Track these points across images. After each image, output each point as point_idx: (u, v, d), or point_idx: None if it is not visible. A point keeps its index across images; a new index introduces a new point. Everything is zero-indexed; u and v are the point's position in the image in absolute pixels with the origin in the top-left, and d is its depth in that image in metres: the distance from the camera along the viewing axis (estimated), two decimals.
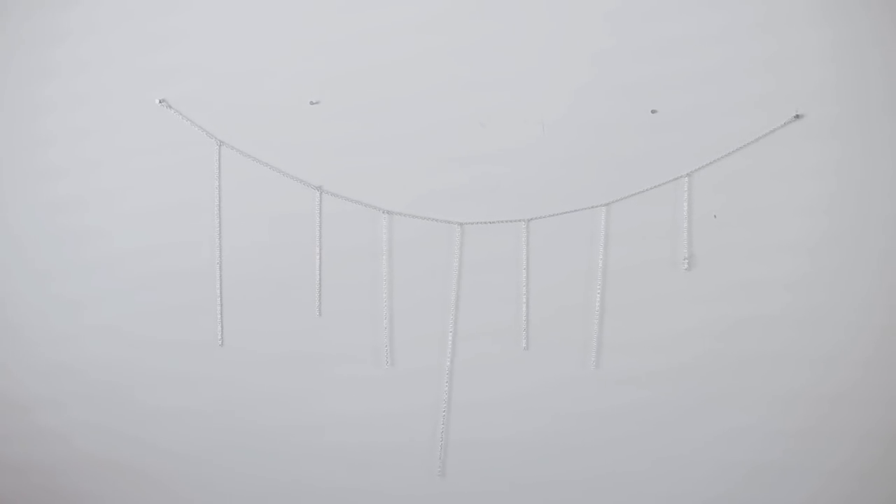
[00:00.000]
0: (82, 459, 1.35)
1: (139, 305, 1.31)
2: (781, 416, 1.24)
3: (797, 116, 1.19)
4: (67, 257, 1.32)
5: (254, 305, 1.30)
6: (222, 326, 1.30)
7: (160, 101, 1.28)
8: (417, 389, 1.29)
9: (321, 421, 1.31)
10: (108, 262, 1.31)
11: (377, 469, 1.31)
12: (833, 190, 1.20)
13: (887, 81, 1.18)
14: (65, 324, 1.33)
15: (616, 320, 1.25)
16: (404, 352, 1.29)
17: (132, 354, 1.32)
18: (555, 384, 1.27)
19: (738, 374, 1.24)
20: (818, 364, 1.22)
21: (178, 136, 1.28)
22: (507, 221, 1.25)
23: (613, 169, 1.23)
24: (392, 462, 1.30)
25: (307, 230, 1.28)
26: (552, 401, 1.27)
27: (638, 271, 1.24)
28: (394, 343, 1.28)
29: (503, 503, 1.29)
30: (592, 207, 1.24)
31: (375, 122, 1.26)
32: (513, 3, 1.23)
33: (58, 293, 1.33)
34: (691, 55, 1.20)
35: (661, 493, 1.27)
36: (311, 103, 1.26)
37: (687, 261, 1.22)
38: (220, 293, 1.30)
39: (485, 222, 1.25)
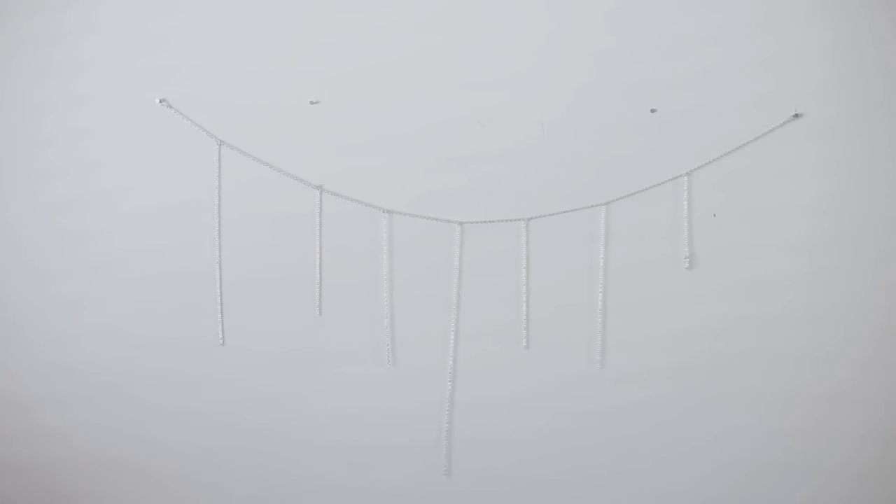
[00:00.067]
0: (82, 459, 1.36)
1: (139, 305, 1.32)
2: (781, 416, 1.24)
3: (797, 116, 1.19)
4: (67, 257, 1.32)
5: (254, 305, 1.30)
6: (223, 326, 1.30)
7: (160, 101, 1.28)
8: (418, 388, 1.29)
9: (322, 420, 1.31)
10: (108, 262, 1.31)
11: (378, 468, 1.31)
12: (833, 190, 1.20)
13: (887, 81, 1.18)
14: (65, 324, 1.34)
15: (616, 319, 1.25)
16: (405, 351, 1.29)
17: (132, 354, 1.33)
18: (555, 383, 1.27)
19: (737, 373, 1.24)
20: (817, 363, 1.22)
21: (178, 135, 1.29)
22: (506, 221, 1.25)
23: (613, 168, 1.23)
24: (393, 461, 1.31)
25: (307, 229, 1.28)
26: (552, 399, 1.27)
27: (637, 270, 1.24)
28: (395, 342, 1.29)
29: (504, 501, 1.30)
30: (592, 207, 1.24)
31: (375, 122, 1.26)
32: (512, 2, 1.23)
33: (58, 293, 1.33)
34: (691, 55, 1.20)
35: (661, 491, 1.27)
36: (311, 103, 1.26)
37: (688, 259, 1.22)
38: (221, 293, 1.30)
39: (484, 221, 1.25)
